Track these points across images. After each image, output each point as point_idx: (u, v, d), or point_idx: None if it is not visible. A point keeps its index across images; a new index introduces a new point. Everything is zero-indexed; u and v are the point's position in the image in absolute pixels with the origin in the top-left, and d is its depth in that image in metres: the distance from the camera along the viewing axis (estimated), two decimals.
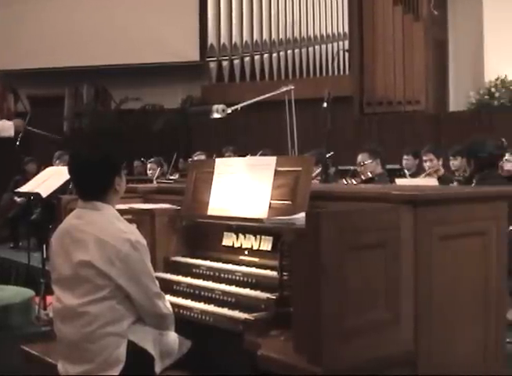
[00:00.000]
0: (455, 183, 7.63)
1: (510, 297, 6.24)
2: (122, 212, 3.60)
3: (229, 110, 5.59)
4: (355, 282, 2.78)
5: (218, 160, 4.07)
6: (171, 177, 9.29)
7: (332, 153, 7.75)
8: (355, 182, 7.63)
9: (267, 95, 6.13)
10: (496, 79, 13.66)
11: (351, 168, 8.69)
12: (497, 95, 13.43)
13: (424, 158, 9.04)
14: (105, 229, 3.34)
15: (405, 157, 9.97)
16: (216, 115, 5.55)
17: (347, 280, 2.75)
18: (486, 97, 13.51)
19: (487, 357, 3.41)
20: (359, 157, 7.65)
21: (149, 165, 10.66)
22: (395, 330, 2.94)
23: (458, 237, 3.22)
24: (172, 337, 3.52)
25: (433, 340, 3.09)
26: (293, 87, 6.18)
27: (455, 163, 8.68)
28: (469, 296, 3.30)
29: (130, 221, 3.65)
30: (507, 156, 8.46)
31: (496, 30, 13.82)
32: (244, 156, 5.60)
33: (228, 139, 12.70)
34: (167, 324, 3.48)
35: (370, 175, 7.47)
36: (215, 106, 5.59)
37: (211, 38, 15.36)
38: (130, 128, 14.11)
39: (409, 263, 2.97)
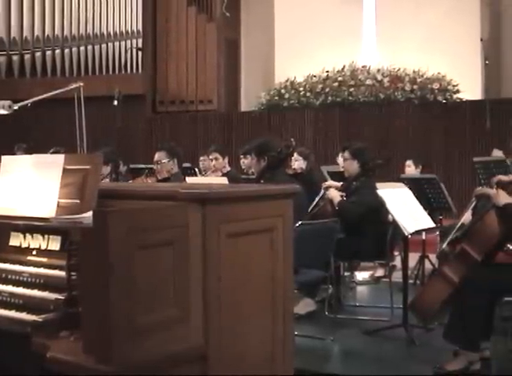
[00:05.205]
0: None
1: (296, 292, 6.50)
2: None
3: (16, 107, 5.44)
4: (144, 281, 2.78)
5: (4, 158, 3.94)
6: None
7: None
8: (150, 181, 7.61)
9: (56, 92, 6.02)
10: (286, 80, 14.08)
11: (144, 166, 8.68)
12: (286, 96, 13.85)
13: (210, 157, 9.36)
14: None
15: (201, 158, 10.11)
16: (1, 111, 5.38)
17: (136, 280, 2.74)
18: (276, 98, 13.90)
19: (276, 350, 3.50)
20: (156, 156, 7.60)
21: None
22: (185, 328, 2.97)
23: (246, 234, 3.28)
24: None
25: (223, 336, 3.13)
26: (82, 84, 6.12)
27: (245, 162, 8.90)
28: (257, 291, 3.37)
29: None
30: (296, 155, 8.76)
31: (287, 34, 14.27)
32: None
33: (18, 137, 12.34)
34: None
35: (166, 174, 7.46)
36: (1, 102, 5.42)
37: (1, 32, 14.90)
38: None
39: (197, 261, 3.00)
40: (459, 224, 5.54)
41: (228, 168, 9.45)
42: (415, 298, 5.56)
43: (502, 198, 5.12)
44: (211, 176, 9.14)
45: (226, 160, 9.48)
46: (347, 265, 8.30)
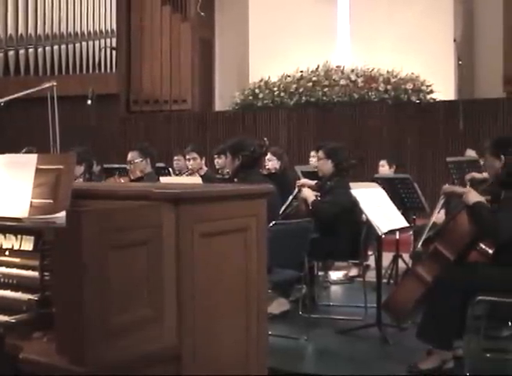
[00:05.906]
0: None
1: (270, 291, 6.50)
2: None
3: None
4: (118, 281, 2.77)
5: None
6: None
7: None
8: (123, 181, 7.58)
9: (29, 91, 5.99)
10: (260, 80, 14.08)
11: (118, 166, 8.65)
12: (261, 96, 13.85)
13: (188, 157, 9.28)
14: None
15: (175, 158, 10.09)
16: None
17: (109, 280, 2.73)
18: (250, 98, 13.89)
19: (250, 350, 3.50)
20: (129, 156, 7.55)
21: None
22: (159, 328, 2.96)
23: (219, 234, 3.28)
24: None
25: (197, 336, 3.13)
26: (55, 83, 6.09)
27: (219, 161, 8.91)
28: (231, 291, 3.37)
29: None
30: (269, 155, 8.76)
31: (261, 34, 14.28)
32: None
33: None
34: None
35: (139, 174, 7.42)
36: None
37: None
38: None
39: (171, 261, 3.00)
40: (431, 223, 5.57)
41: (206, 169, 9.36)
42: (388, 297, 5.59)
43: (473, 197, 5.14)
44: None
45: (203, 160, 9.39)
46: (321, 264, 8.33)
